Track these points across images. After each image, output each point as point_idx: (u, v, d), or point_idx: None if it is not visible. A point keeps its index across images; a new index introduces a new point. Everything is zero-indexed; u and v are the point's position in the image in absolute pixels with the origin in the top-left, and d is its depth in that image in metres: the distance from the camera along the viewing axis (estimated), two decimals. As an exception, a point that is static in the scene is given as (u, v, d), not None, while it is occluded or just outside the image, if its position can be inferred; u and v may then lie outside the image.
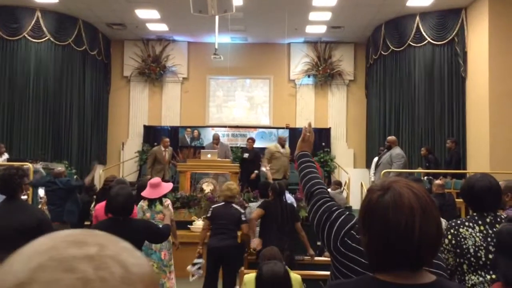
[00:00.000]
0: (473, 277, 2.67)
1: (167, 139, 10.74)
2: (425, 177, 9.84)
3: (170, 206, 5.69)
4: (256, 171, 10.09)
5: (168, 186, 5.79)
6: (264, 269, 2.89)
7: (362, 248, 1.77)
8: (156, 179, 5.84)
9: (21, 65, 12.02)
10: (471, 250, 2.66)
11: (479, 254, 2.65)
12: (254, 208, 6.15)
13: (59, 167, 7.86)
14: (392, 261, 1.17)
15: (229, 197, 5.66)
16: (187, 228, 8.01)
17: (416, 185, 1.23)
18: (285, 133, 14.27)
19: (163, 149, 10.37)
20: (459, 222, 2.76)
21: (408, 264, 1.17)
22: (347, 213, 1.80)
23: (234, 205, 5.64)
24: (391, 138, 9.10)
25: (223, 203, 5.70)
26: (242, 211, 5.68)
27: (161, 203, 5.56)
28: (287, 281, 2.84)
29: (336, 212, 1.79)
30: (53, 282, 0.42)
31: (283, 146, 9.80)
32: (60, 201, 6.78)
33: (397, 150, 8.71)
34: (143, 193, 5.47)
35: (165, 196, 5.68)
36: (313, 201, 1.90)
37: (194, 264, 5.62)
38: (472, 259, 2.66)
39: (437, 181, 7.57)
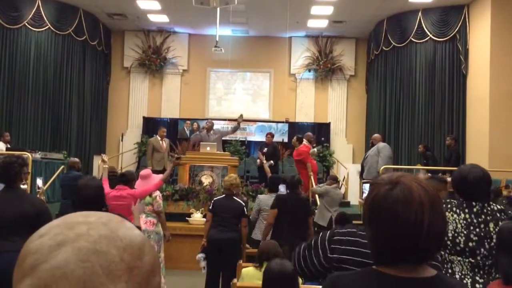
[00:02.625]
0: (450, 256, 2.72)
1: (164, 129, 10.74)
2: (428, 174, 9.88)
3: (159, 198, 5.67)
4: (271, 161, 10.04)
5: (157, 178, 5.77)
6: (273, 265, 2.90)
7: (356, 248, 1.83)
8: (146, 171, 5.82)
9: (21, 54, 11.96)
10: (449, 235, 2.70)
11: (457, 240, 2.69)
12: (263, 201, 6.13)
13: (75, 158, 7.93)
14: (396, 255, 1.17)
15: (229, 189, 5.66)
16: (186, 220, 8.02)
17: (423, 179, 1.22)
18: (284, 127, 14.27)
19: (159, 139, 10.38)
20: (448, 205, 2.78)
21: (412, 258, 1.17)
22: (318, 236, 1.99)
23: (235, 197, 5.62)
24: (376, 135, 9.73)
25: (224, 195, 5.69)
26: (243, 203, 5.66)
27: (150, 195, 5.55)
28: (294, 279, 2.86)
29: (309, 241, 2.00)
30: (59, 234, 0.62)
31: (310, 143, 10.04)
32: (72, 195, 6.86)
33: (382, 143, 9.13)
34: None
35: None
36: (296, 259, 2.09)
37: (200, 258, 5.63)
38: (448, 242, 2.70)
39: (449, 179, 7.56)
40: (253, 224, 6.19)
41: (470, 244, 2.65)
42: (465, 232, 2.67)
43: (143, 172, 5.74)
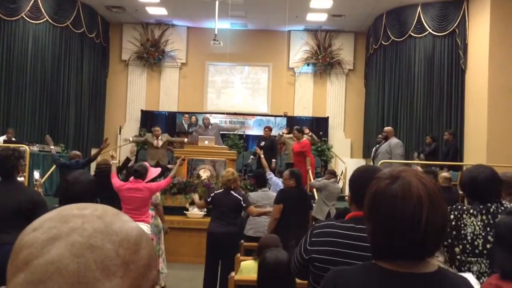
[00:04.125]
0: (469, 259, 2.69)
1: (157, 128, 10.36)
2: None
3: (157, 192, 5.72)
4: (274, 160, 10.03)
5: (155, 171, 5.82)
6: (268, 255, 2.90)
7: (333, 238, 1.90)
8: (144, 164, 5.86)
9: (19, 46, 11.89)
10: (468, 238, 2.68)
11: (476, 243, 2.66)
12: (254, 198, 6.10)
13: (76, 151, 8.06)
14: (395, 251, 1.17)
15: (226, 185, 5.65)
16: (183, 214, 8.03)
17: (424, 175, 1.21)
18: (282, 121, 14.26)
19: (154, 137, 10.13)
20: (464, 208, 2.76)
21: (412, 254, 1.16)
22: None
23: (232, 192, 5.62)
24: (388, 128, 9.24)
25: (222, 190, 5.70)
26: (240, 197, 5.65)
27: None
28: (289, 269, 2.86)
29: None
30: (52, 228, 0.61)
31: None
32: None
33: (395, 140, 8.81)
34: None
35: (153, 180, 5.70)
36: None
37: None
38: (467, 246, 2.68)
39: (444, 174, 7.51)
40: (245, 220, 6.18)
41: (488, 245, 2.63)
42: (483, 234, 2.64)
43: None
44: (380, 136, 10.91)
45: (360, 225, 1.94)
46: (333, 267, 1.82)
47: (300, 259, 2.00)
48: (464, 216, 2.72)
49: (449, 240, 2.74)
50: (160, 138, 10.18)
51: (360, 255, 1.88)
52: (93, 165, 12.85)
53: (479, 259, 2.65)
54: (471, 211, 2.72)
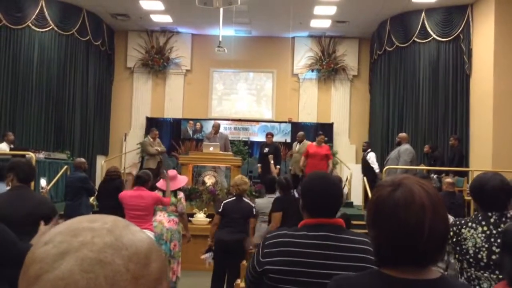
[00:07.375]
0: (477, 273, 2.62)
1: (155, 132, 10.75)
2: (435, 175, 9.69)
3: (183, 200, 5.77)
4: (278, 166, 10.05)
5: (184, 179, 5.95)
6: None
7: (286, 248, 1.90)
8: (173, 171, 5.93)
9: (25, 54, 11.99)
10: (471, 251, 2.61)
11: (479, 256, 2.59)
12: (260, 205, 6.08)
13: (81, 158, 7.91)
14: (398, 257, 1.18)
15: (243, 191, 5.65)
16: (189, 220, 8.02)
17: (426, 182, 1.22)
18: (287, 128, 14.27)
19: (152, 140, 10.49)
20: (462, 222, 2.71)
21: (414, 261, 1.17)
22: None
23: (244, 198, 5.65)
24: (403, 134, 9.24)
25: (234, 197, 5.68)
26: (253, 204, 5.68)
27: (175, 196, 5.67)
28: None
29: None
30: (62, 242, 0.61)
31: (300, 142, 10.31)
32: (76, 196, 6.93)
33: (405, 146, 8.76)
34: (158, 184, 5.62)
35: (179, 189, 5.78)
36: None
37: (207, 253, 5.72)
38: (471, 260, 2.61)
39: (448, 179, 7.44)
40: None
41: (493, 257, 2.53)
42: (486, 245, 2.56)
43: (170, 172, 5.89)
44: (365, 143, 10.96)
45: (312, 232, 1.93)
46: (289, 277, 1.86)
47: (253, 271, 1.98)
48: (463, 230, 2.65)
49: (457, 256, 2.68)
50: (157, 141, 10.57)
51: (315, 263, 1.87)
52: (98, 169, 12.90)
53: (489, 274, 2.56)
54: (469, 224, 2.66)
